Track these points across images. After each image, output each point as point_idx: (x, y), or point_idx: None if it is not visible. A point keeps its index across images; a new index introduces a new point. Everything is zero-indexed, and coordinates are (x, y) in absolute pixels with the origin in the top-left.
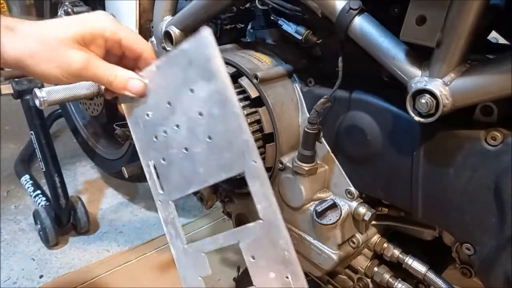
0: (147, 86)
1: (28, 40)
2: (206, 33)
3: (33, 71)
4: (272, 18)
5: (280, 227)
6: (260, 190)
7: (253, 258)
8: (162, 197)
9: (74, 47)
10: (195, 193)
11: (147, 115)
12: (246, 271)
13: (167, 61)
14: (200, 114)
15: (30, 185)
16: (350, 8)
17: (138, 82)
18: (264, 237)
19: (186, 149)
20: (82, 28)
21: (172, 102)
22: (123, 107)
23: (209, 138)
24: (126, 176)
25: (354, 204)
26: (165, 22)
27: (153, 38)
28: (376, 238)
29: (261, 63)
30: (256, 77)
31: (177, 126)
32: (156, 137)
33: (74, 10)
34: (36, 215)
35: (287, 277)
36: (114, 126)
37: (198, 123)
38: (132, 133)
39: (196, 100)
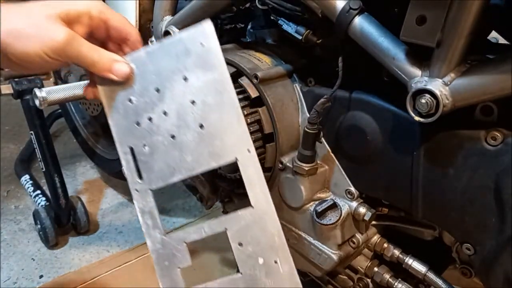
0: (132, 70)
1: (11, 18)
2: (207, 24)
3: (14, 50)
4: (272, 18)
5: (272, 214)
6: (253, 177)
7: (241, 245)
8: (140, 186)
9: (59, 22)
10: (194, 193)
11: (130, 100)
12: None
13: (160, 48)
14: (193, 102)
15: (30, 185)
16: (350, 8)
17: (124, 66)
18: (254, 224)
19: (173, 136)
20: (68, 5)
21: (161, 89)
22: (100, 90)
23: (201, 126)
24: None
25: (354, 204)
26: (165, 22)
27: (153, 38)
28: (376, 238)
29: (261, 63)
30: (256, 77)
31: (165, 113)
32: (138, 124)
33: None
34: (36, 215)
35: (275, 262)
36: None
37: (190, 111)
38: (108, 118)
39: (190, 88)
